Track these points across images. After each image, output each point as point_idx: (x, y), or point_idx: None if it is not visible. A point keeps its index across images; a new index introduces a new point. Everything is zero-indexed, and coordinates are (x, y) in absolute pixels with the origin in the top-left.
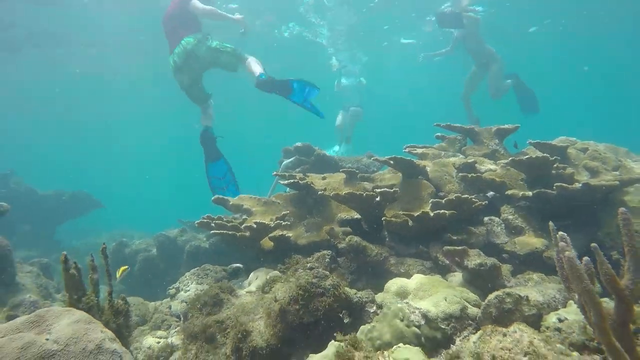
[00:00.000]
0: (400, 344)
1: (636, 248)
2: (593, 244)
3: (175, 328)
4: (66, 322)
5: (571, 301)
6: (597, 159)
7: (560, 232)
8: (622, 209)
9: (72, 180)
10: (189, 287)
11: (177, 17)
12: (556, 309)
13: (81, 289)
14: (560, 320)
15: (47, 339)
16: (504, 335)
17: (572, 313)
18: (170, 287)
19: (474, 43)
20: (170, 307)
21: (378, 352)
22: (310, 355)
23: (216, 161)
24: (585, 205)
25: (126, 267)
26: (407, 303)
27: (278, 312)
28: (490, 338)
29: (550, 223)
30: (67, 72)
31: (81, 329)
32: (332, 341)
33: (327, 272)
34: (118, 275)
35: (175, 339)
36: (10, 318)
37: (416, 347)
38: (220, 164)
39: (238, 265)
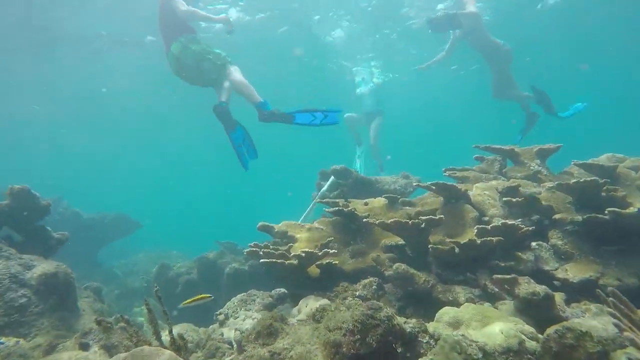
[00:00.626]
0: None
1: None
2: None
3: (230, 356)
4: None
5: None
6: None
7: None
8: None
9: (109, 198)
10: (239, 313)
11: (164, 19)
12: (623, 346)
13: (134, 336)
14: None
15: None
16: None
17: None
18: (218, 313)
19: (477, 40)
20: (222, 334)
21: None
22: None
23: (235, 129)
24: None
25: (208, 295)
26: (463, 335)
27: (335, 343)
28: None
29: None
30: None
31: None
32: None
33: (381, 304)
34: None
35: None
36: (82, 345)
37: None
38: (238, 131)
39: (283, 290)
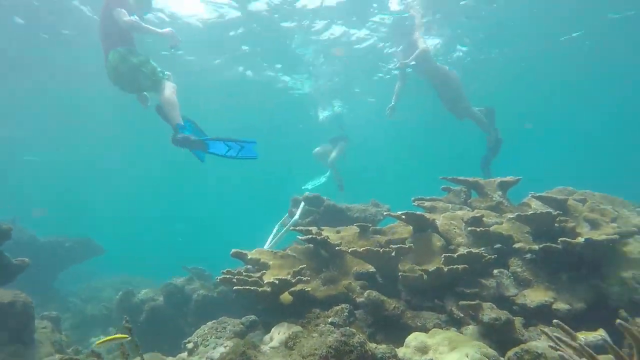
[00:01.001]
0: None
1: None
2: (618, 322)
3: None
4: None
5: None
6: (595, 210)
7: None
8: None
9: (68, 220)
10: (209, 341)
11: (105, 27)
12: None
13: None
14: None
15: None
16: None
17: None
18: (187, 341)
19: (424, 72)
20: None
21: None
22: None
23: (209, 146)
24: (588, 256)
25: (124, 335)
26: None
27: None
28: None
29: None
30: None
31: None
32: None
33: (354, 330)
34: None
35: None
36: None
37: None
38: (215, 145)
39: (254, 317)
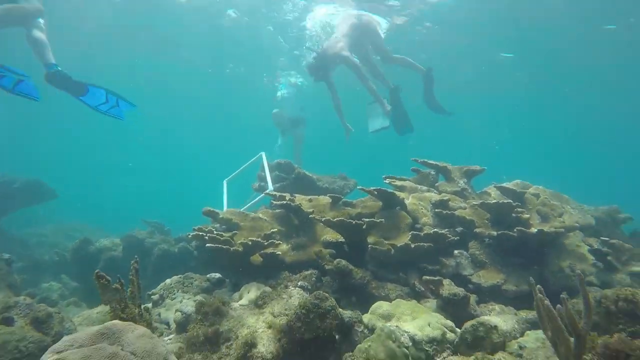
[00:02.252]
0: None
1: (590, 302)
2: (562, 296)
3: (169, 336)
4: (134, 336)
5: (528, 331)
6: (546, 205)
7: (538, 286)
8: (578, 271)
9: (24, 162)
10: (175, 295)
11: None
12: (516, 337)
13: (123, 300)
14: (521, 347)
15: (124, 351)
16: None
17: (529, 342)
18: (152, 293)
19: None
20: (159, 315)
21: None
22: None
23: (86, 92)
24: (536, 245)
25: None
26: (397, 326)
27: (282, 327)
28: None
29: (531, 279)
30: None
31: (149, 343)
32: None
33: (327, 294)
34: None
35: (172, 347)
36: (5, 320)
37: None
38: (92, 92)
39: (219, 275)
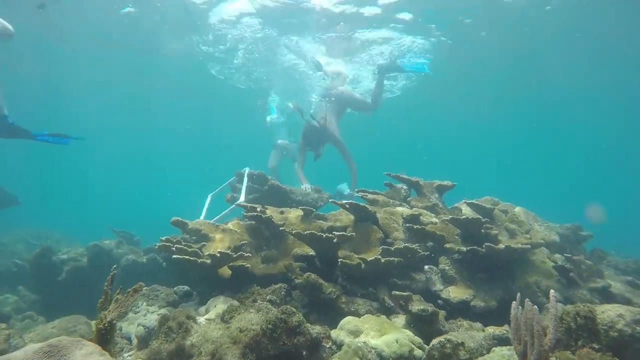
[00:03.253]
0: None
1: (557, 317)
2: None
3: (129, 352)
4: (82, 354)
5: (494, 348)
6: (514, 221)
7: (527, 300)
8: (552, 291)
9: None
10: (140, 308)
11: None
12: (482, 354)
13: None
14: None
15: None
16: None
17: (495, 358)
18: None
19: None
20: (121, 329)
21: None
22: None
23: (35, 137)
24: (504, 261)
25: None
26: (364, 343)
27: (247, 343)
28: None
29: (518, 295)
30: None
31: None
32: None
33: (294, 309)
34: None
35: None
36: None
37: None
38: (40, 136)
39: (187, 288)
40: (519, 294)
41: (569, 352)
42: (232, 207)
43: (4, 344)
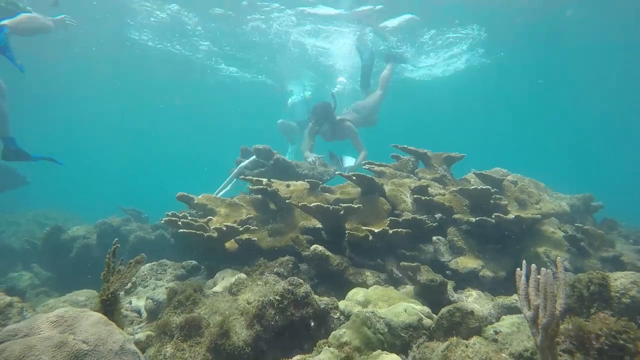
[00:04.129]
0: (383, 353)
1: (566, 283)
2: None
3: (139, 324)
4: (89, 323)
5: (504, 316)
6: (524, 192)
7: (533, 265)
8: (558, 257)
9: None
10: (148, 282)
11: None
12: (492, 322)
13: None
14: (496, 332)
15: (75, 339)
16: (467, 346)
17: (504, 326)
18: None
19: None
20: (130, 303)
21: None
22: (300, 357)
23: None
24: (513, 231)
25: None
26: (372, 312)
27: (255, 314)
28: (456, 348)
29: (524, 262)
30: None
31: (104, 331)
32: (325, 347)
33: (301, 280)
34: None
35: (141, 336)
36: None
37: (395, 355)
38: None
39: (194, 262)
40: (524, 261)
41: (582, 319)
42: (232, 180)
43: (17, 316)
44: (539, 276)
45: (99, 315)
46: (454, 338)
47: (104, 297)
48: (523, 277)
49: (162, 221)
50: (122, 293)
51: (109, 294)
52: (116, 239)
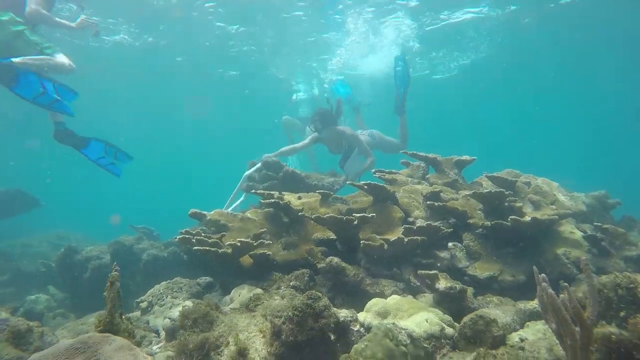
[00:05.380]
0: None
1: (596, 291)
2: (564, 284)
3: (158, 344)
4: (112, 349)
5: (528, 323)
6: (538, 193)
7: (542, 275)
8: (583, 258)
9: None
10: (165, 301)
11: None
12: (515, 329)
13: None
14: (521, 340)
15: None
16: (495, 357)
17: (530, 333)
18: (140, 300)
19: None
20: (148, 322)
21: None
22: None
23: (87, 145)
24: (530, 234)
25: None
26: (393, 324)
27: (274, 330)
28: (484, 359)
29: (534, 268)
30: None
31: (129, 356)
32: None
33: (320, 294)
34: None
35: (161, 357)
36: None
37: None
38: (93, 145)
39: (209, 279)
40: (535, 268)
41: (613, 324)
42: (242, 196)
43: (38, 341)
44: (562, 295)
45: (123, 340)
46: (482, 349)
47: (101, 328)
48: (543, 287)
49: (176, 239)
50: (138, 313)
51: (104, 322)
52: (115, 262)
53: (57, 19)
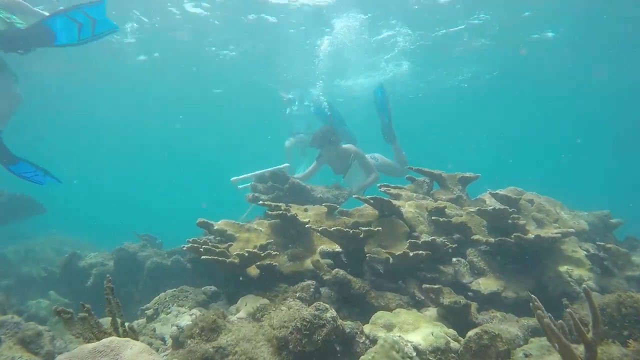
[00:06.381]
0: None
1: (597, 312)
2: (568, 310)
3: (164, 352)
4: (133, 353)
5: (532, 339)
6: (542, 211)
7: (537, 303)
8: (584, 286)
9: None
10: (170, 309)
11: None
12: (520, 344)
13: (96, 327)
14: (526, 355)
15: None
16: None
17: (534, 349)
18: (145, 308)
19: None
20: (154, 330)
21: None
22: None
23: (17, 163)
24: (533, 251)
25: None
26: (400, 336)
27: (282, 340)
28: None
29: (529, 294)
30: None
31: None
32: None
33: (327, 305)
34: None
35: None
36: None
37: None
38: (21, 165)
39: (214, 288)
40: (530, 294)
41: (616, 342)
42: (251, 206)
43: (49, 345)
44: (568, 310)
45: (142, 344)
46: None
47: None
48: (539, 315)
49: (184, 248)
50: (144, 320)
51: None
52: (107, 275)
53: (34, 8)
